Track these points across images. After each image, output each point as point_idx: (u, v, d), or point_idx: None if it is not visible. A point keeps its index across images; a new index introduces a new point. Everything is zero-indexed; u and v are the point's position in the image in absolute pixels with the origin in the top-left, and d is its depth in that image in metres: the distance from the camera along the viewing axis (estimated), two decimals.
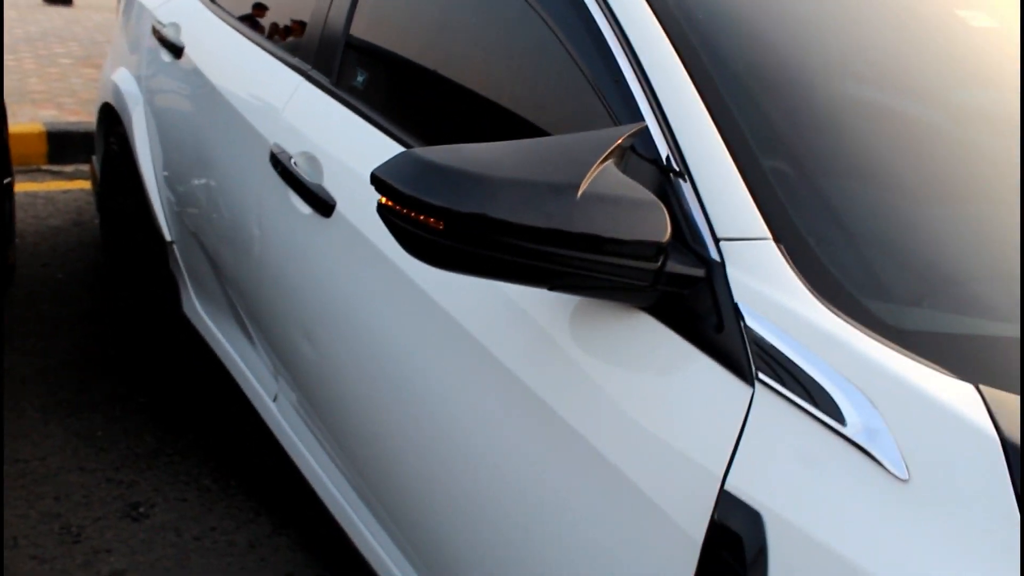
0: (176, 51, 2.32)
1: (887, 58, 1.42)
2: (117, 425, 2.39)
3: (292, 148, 1.69)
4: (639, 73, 1.14)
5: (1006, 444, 0.80)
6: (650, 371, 1.02)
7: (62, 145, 4.33)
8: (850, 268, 1.02)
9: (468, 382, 1.24)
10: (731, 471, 0.91)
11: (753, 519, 0.88)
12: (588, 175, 0.96)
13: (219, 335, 2.25)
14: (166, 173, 2.40)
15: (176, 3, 2.48)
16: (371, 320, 1.45)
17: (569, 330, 1.12)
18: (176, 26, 2.38)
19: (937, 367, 0.89)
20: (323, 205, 1.56)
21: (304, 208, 1.62)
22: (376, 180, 0.97)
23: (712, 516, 0.91)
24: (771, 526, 0.87)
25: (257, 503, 2.16)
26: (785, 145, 1.13)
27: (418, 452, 1.36)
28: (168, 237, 2.43)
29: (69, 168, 4.30)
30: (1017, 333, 0.97)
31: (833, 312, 0.94)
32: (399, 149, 1.50)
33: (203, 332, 2.33)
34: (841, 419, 0.87)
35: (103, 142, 2.96)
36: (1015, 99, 1.40)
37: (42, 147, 4.31)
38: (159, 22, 2.47)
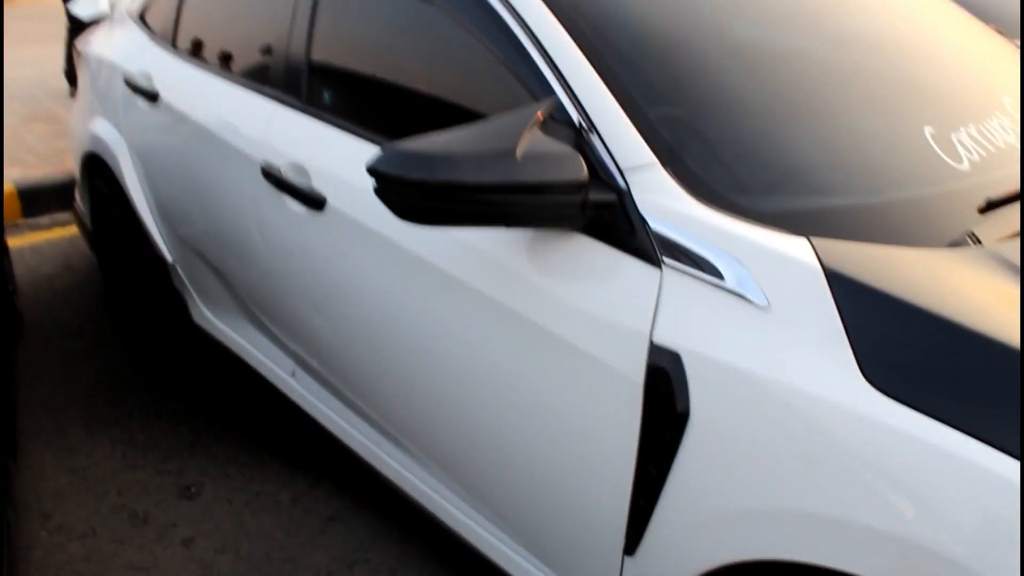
0: (152, 97, 2.64)
1: (735, 10, 1.82)
2: (154, 428, 2.73)
3: (280, 161, 2.04)
4: (548, 60, 1.53)
5: (826, 270, 1.20)
6: (589, 271, 1.41)
7: (34, 200, 4.59)
8: (717, 175, 1.41)
9: (455, 311, 1.62)
10: (655, 328, 1.31)
11: (675, 358, 1.28)
12: (521, 141, 1.34)
13: (232, 334, 2.60)
14: (160, 204, 2.72)
15: (143, 57, 2.80)
16: (370, 282, 1.81)
17: (527, 256, 1.50)
18: (147, 75, 2.70)
19: (782, 231, 1.28)
20: (315, 202, 1.92)
21: (298, 208, 1.98)
22: (371, 170, 1.34)
23: (647, 362, 1.31)
24: (687, 359, 1.27)
25: (291, 467, 2.52)
26: (660, 96, 1.52)
27: (422, 374, 1.73)
28: (170, 259, 2.76)
29: (45, 220, 4.57)
30: (833, 204, 1.37)
31: (708, 207, 1.34)
32: (366, 147, 1.87)
33: (216, 334, 2.67)
34: (721, 277, 1.26)
35: (88, 188, 3.27)
36: (839, 35, 1.81)
37: (15, 204, 4.57)
38: (129, 74, 2.79)
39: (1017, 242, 1.33)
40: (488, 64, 1.64)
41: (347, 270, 1.87)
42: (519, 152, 1.33)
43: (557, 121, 1.48)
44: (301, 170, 1.98)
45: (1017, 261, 1.26)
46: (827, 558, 1.12)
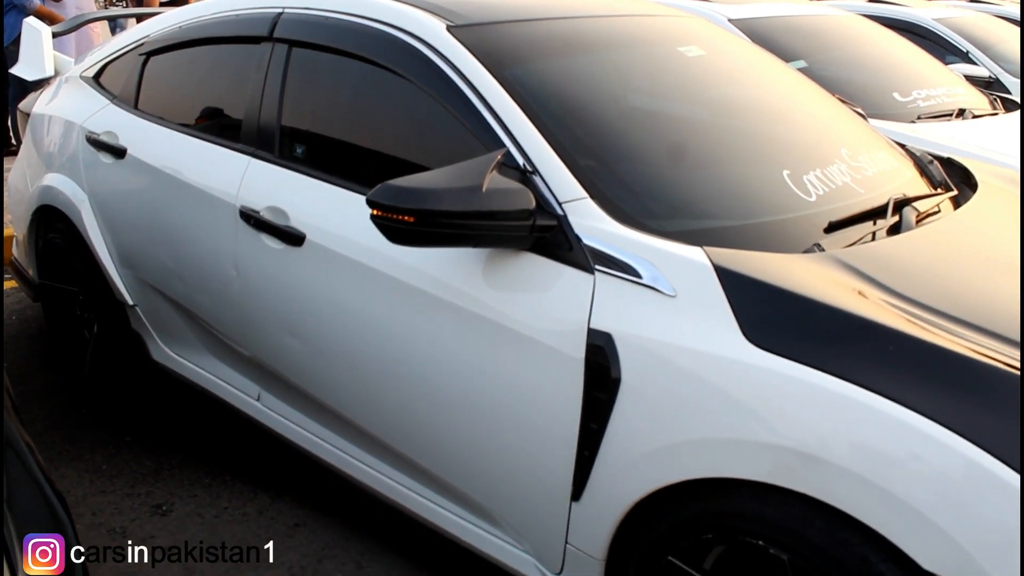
0: (119, 153, 2.93)
1: (640, 85, 2.30)
2: (117, 458, 2.94)
3: (258, 205, 2.38)
4: (499, 121, 1.96)
5: (716, 267, 1.65)
6: (538, 279, 1.82)
7: None
8: (632, 205, 1.86)
9: (426, 322, 1.99)
10: (592, 317, 1.72)
11: (607, 337, 1.69)
12: (485, 179, 1.75)
13: (193, 367, 2.87)
14: (122, 251, 2.98)
15: (104, 115, 3.08)
16: (348, 302, 2.16)
17: (487, 272, 1.89)
18: (112, 134, 2.99)
19: (682, 243, 1.73)
20: (294, 238, 2.27)
21: (277, 245, 2.32)
22: (369, 201, 1.72)
23: (587, 342, 1.71)
24: (617, 337, 1.68)
25: (253, 485, 2.78)
26: (588, 148, 1.97)
27: (398, 376, 2.08)
28: (131, 302, 3.02)
29: None
30: (719, 224, 1.84)
31: (627, 227, 1.78)
32: (338, 191, 2.24)
33: (177, 369, 2.94)
34: (639, 276, 1.69)
35: (35, 240, 3.46)
36: (719, 104, 2.32)
37: None
38: (92, 132, 3.06)
39: (851, 250, 1.82)
40: (447, 122, 2.06)
41: (326, 294, 2.21)
42: (484, 187, 1.73)
43: (508, 166, 1.90)
44: (279, 212, 2.32)
45: (852, 264, 1.74)
46: (725, 470, 1.54)
